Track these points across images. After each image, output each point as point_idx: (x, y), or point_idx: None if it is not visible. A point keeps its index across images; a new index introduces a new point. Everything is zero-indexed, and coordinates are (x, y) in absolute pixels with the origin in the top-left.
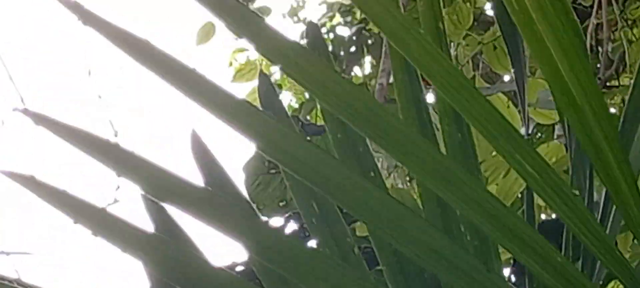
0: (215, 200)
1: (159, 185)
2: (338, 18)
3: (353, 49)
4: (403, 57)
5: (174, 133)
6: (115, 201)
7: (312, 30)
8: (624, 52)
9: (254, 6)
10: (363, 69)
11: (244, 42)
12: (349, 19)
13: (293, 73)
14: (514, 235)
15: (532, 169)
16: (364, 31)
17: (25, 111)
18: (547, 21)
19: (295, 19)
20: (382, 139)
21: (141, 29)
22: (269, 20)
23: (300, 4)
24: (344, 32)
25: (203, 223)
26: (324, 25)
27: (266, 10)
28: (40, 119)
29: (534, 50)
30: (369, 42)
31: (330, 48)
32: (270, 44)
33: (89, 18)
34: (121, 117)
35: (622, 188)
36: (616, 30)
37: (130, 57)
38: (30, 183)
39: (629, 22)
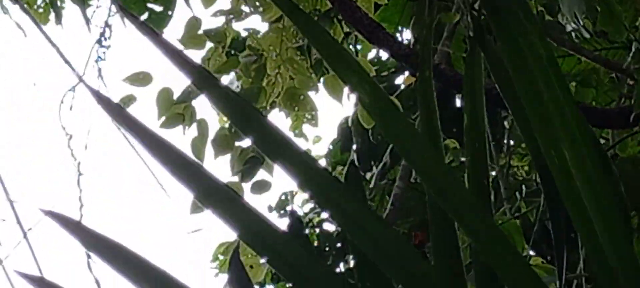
0: None
1: None
2: (325, 214)
3: (339, 244)
4: None
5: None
6: None
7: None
8: None
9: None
10: (348, 264)
11: None
12: None
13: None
14: None
15: None
16: None
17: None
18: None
19: (282, 212)
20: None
21: None
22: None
23: (289, 197)
24: (331, 227)
25: None
26: (311, 221)
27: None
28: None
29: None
30: None
31: (315, 243)
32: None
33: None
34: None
35: None
36: None
37: (161, 165)
38: (40, 284)
39: None
